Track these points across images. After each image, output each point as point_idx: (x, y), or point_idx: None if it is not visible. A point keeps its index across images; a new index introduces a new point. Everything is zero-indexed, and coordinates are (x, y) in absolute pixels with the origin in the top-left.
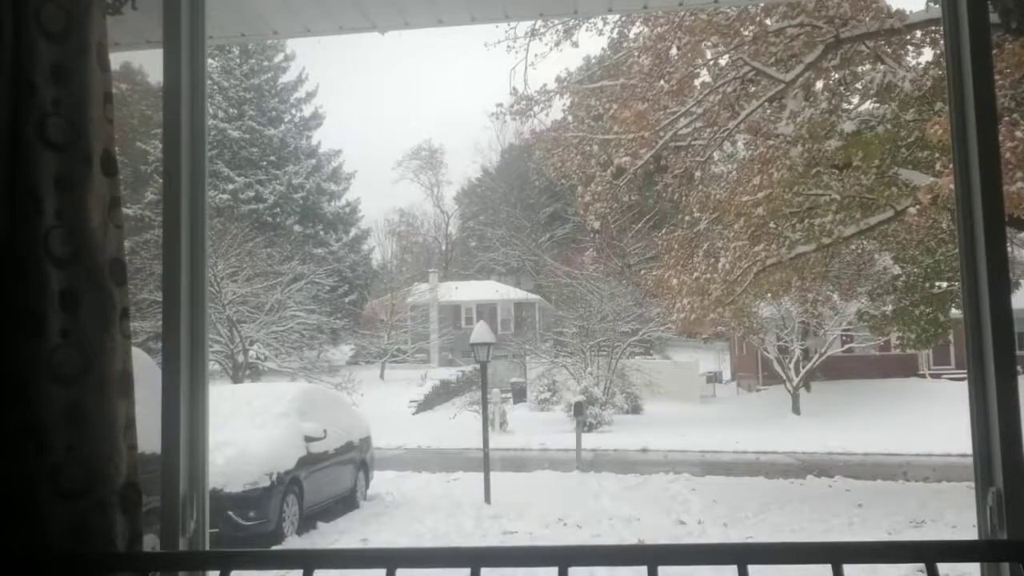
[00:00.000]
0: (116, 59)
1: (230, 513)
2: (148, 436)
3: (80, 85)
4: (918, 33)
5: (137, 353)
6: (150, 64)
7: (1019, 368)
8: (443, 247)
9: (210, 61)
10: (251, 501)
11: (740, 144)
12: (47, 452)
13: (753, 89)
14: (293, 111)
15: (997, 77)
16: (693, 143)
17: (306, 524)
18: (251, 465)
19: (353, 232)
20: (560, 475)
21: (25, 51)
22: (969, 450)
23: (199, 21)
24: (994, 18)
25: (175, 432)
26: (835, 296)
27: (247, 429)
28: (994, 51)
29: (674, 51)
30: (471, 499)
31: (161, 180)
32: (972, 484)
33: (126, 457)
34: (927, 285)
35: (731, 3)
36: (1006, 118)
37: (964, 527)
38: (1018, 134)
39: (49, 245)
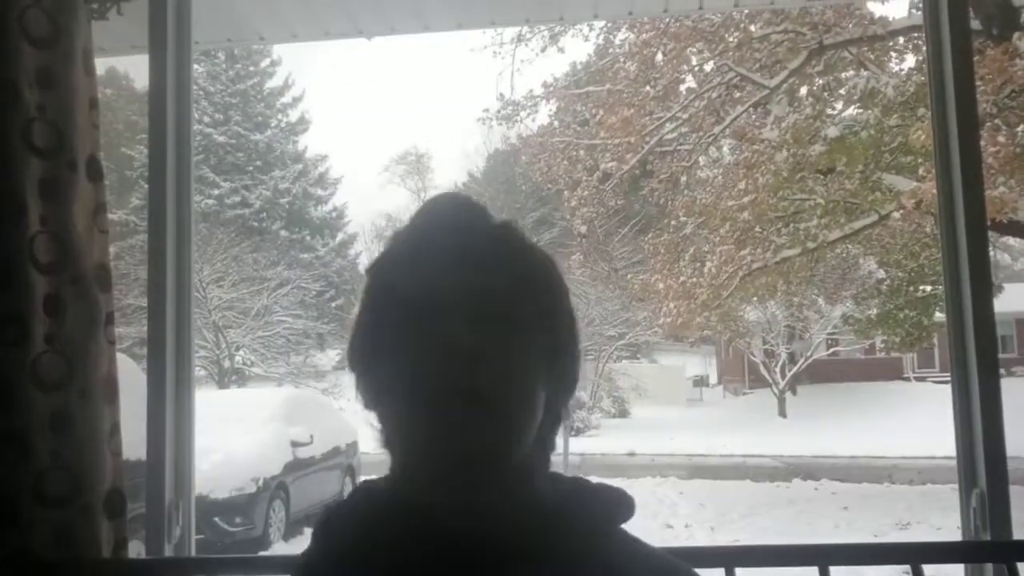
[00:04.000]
0: (102, 64)
1: (216, 519)
2: (133, 442)
3: (65, 91)
4: (901, 39)
5: (122, 359)
6: (136, 69)
7: (1001, 370)
8: None
9: (196, 66)
10: (237, 507)
11: (726, 149)
12: (31, 458)
13: (738, 95)
14: (279, 116)
15: (979, 83)
16: (679, 148)
17: (293, 530)
18: (237, 470)
19: (340, 237)
20: None
21: (10, 56)
22: (953, 452)
23: (185, 26)
24: (975, 24)
25: (161, 438)
26: (820, 300)
27: (233, 434)
28: (975, 57)
29: (660, 57)
30: None
31: (146, 185)
32: (956, 486)
33: (111, 463)
34: (911, 289)
35: (716, 9)
36: (988, 123)
37: (949, 529)
38: (1000, 139)
39: (34, 251)
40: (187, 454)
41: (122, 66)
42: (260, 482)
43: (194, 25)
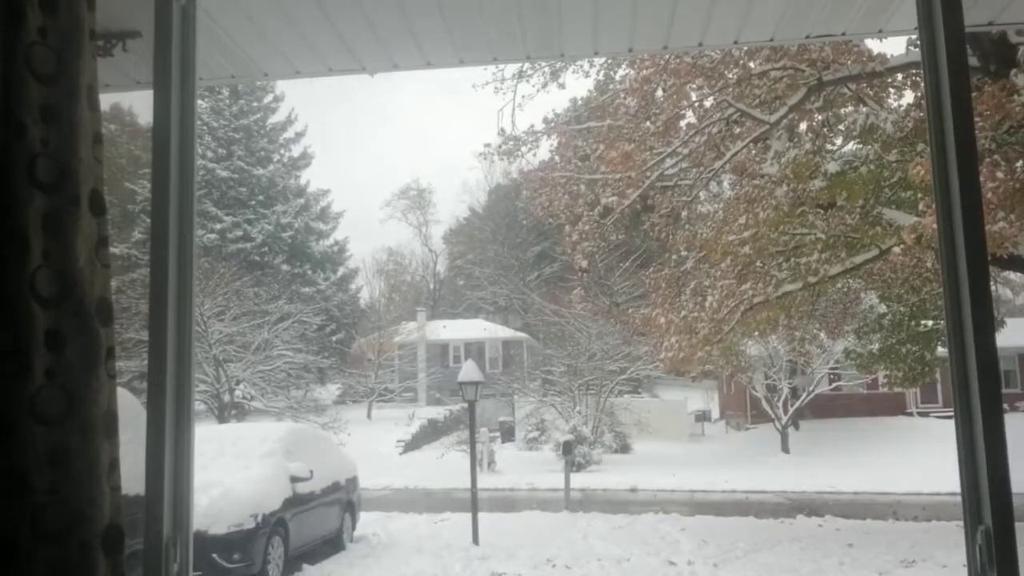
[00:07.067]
0: (106, 100)
1: (214, 555)
2: (132, 477)
3: (70, 126)
4: (899, 76)
5: (122, 393)
6: (140, 105)
7: (1005, 406)
8: (431, 286)
9: (200, 102)
10: (235, 543)
11: (726, 184)
12: (29, 493)
13: (738, 130)
14: (282, 151)
15: (977, 119)
16: (679, 183)
17: (291, 566)
18: (236, 506)
19: (341, 271)
20: (549, 515)
21: (15, 92)
22: (958, 488)
23: (189, 63)
24: (973, 61)
25: (159, 473)
26: (822, 334)
27: (232, 469)
28: (974, 93)
29: (660, 93)
30: (459, 540)
31: (148, 219)
32: (962, 523)
33: (109, 498)
34: (913, 323)
35: (715, 46)
36: (987, 159)
37: (954, 567)
38: (999, 174)
39: (36, 285)
40: (185, 489)
41: (126, 102)
42: (259, 518)
43: (198, 62)
